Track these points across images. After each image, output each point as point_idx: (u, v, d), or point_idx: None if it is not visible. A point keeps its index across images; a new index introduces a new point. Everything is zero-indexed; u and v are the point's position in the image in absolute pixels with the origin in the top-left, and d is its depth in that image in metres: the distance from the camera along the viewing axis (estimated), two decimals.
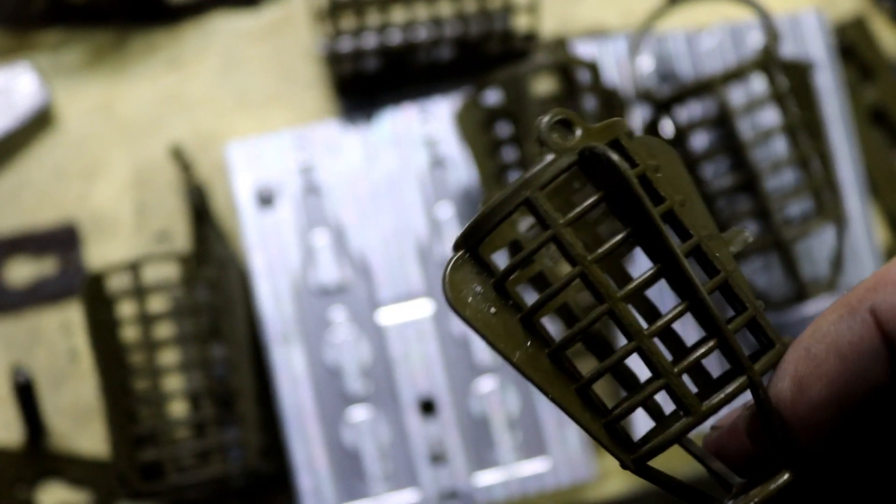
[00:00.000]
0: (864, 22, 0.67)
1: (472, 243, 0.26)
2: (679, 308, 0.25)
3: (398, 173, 0.60)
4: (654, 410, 0.28)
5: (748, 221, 0.58)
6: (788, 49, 0.63)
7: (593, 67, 0.58)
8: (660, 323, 0.25)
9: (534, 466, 0.58)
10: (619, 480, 0.62)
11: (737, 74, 0.57)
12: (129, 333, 0.58)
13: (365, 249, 0.59)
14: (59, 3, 0.64)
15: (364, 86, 0.62)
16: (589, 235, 0.30)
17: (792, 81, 0.58)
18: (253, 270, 0.59)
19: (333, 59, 0.61)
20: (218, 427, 0.56)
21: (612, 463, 0.62)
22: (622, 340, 0.26)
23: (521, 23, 0.63)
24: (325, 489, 0.57)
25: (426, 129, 0.61)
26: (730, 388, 0.25)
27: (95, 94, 0.64)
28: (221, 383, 0.57)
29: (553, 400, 0.26)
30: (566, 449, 0.58)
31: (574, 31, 0.66)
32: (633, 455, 0.26)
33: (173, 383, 0.58)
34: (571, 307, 0.30)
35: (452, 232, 0.60)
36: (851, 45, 0.67)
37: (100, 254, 0.62)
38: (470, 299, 0.25)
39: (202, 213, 0.62)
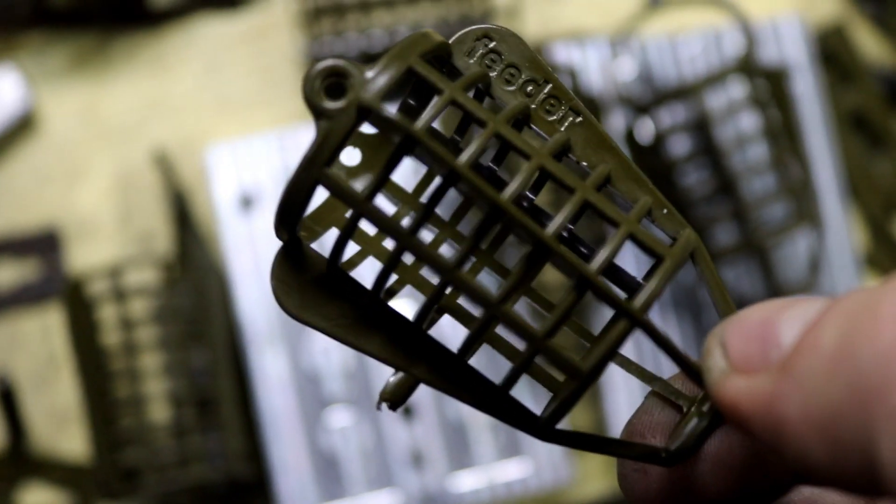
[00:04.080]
0: (844, 29, 0.67)
1: (288, 236, 0.22)
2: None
3: None
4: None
5: (727, 224, 0.59)
6: (769, 53, 0.64)
7: (571, 73, 0.58)
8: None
9: (513, 469, 0.58)
10: (599, 483, 0.62)
11: (716, 79, 0.57)
12: (110, 337, 0.58)
13: None
14: (42, 7, 0.64)
15: None
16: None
17: (770, 86, 0.58)
18: (233, 274, 0.59)
19: (315, 63, 0.61)
20: (199, 432, 0.56)
21: (591, 465, 0.62)
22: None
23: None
24: (305, 492, 0.57)
25: None
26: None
27: (78, 98, 0.64)
28: (202, 387, 0.57)
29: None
30: (545, 451, 0.58)
31: (556, 35, 0.66)
32: (544, 417, 0.21)
33: (154, 387, 0.58)
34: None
35: None
36: (832, 51, 0.67)
37: (82, 257, 0.63)
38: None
39: (184, 218, 0.62)
